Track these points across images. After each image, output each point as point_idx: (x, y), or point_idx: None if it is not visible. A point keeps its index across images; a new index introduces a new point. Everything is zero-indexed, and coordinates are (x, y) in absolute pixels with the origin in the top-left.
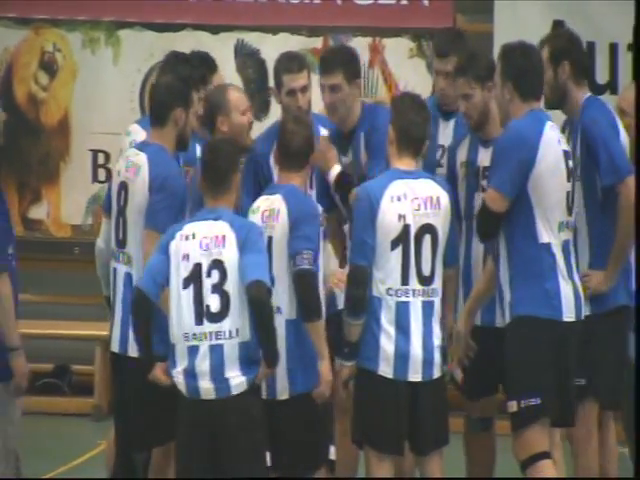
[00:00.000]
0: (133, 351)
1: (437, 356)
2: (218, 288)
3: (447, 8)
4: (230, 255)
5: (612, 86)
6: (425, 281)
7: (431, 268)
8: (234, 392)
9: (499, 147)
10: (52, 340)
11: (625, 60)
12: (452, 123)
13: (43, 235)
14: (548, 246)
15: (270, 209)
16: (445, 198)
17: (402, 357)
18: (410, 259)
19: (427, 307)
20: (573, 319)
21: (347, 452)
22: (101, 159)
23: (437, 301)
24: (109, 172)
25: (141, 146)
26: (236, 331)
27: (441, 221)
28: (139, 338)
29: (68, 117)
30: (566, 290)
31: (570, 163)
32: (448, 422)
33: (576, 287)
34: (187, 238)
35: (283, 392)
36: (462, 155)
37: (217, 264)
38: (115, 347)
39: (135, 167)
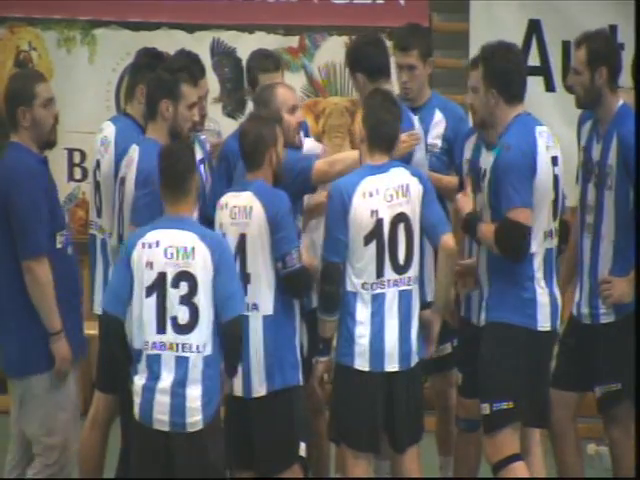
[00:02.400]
0: None
1: (413, 345)
2: (187, 300)
3: (423, 7)
4: (203, 270)
5: None
6: (400, 270)
7: (406, 256)
8: (189, 429)
9: (506, 169)
10: None
11: None
12: (417, 118)
13: None
14: (531, 256)
15: (241, 206)
16: (415, 184)
17: (378, 348)
18: (384, 252)
19: (403, 296)
20: (548, 328)
21: (320, 450)
22: (77, 158)
23: (414, 289)
24: (85, 171)
25: (138, 140)
26: (203, 346)
27: (411, 208)
28: (117, 362)
29: None
30: (543, 299)
31: (556, 169)
32: (423, 415)
33: (553, 295)
34: (150, 246)
35: (260, 389)
36: (467, 153)
37: (186, 276)
38: None
39: (129, 161)
